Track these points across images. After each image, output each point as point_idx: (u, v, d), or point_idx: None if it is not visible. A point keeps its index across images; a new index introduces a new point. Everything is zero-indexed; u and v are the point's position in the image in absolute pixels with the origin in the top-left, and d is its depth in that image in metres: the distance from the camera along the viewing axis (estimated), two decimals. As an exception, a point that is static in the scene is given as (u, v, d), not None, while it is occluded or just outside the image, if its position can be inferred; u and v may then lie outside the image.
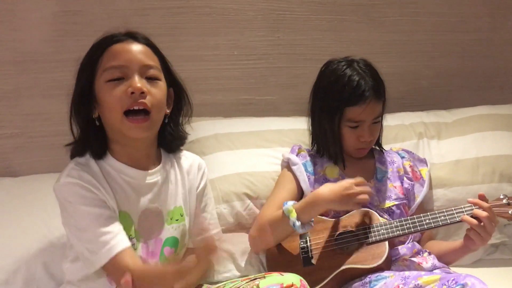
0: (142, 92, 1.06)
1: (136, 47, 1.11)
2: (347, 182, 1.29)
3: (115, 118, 1.08)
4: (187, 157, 1.27)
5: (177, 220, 1.19)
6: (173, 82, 1.19)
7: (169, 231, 1.17)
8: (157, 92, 1.10)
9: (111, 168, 1.13)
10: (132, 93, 1.06)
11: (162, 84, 1.13)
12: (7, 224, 1.40)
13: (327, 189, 1.30)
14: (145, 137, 1.12)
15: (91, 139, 1.12)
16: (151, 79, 1.10)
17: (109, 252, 1.03)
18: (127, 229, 1.10)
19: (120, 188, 1.12)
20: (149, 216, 1.15)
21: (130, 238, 1.11)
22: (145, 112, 1.08)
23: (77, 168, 1.10)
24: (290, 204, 1.31)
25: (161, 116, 1.14)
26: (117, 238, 1.05)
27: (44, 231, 1.38)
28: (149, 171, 1.16)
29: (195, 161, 1.27)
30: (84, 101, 1.11)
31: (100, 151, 1.13)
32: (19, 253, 1.33)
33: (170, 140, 1.21)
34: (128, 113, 1.07)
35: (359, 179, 1.29)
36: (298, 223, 1.27)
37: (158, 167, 1.18)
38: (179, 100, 1.21)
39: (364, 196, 1.27)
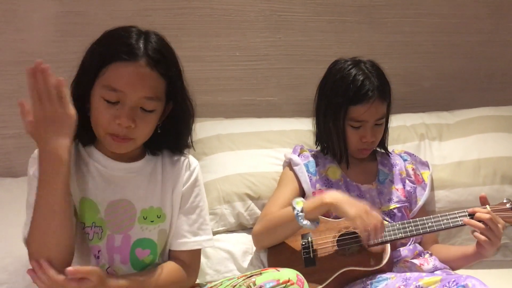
0: (130, 125, 1.06)
1: (144, 73, 1.05)
2: (367, 207, 1.24)
3: (98, 133, 1.09)
4: (177, 157, 1.21)
5: (152, 221, 1.14)
6: (177, 99, 1.14)
7: (141, 231, 1.14)
8: (145, 125, 1.09)
9: (87, 155, 1.14)
10: (119, 124, 1.05)
11: (156, 114, 1.10)
12: (9, 224, 1.40)
13: (345, 196, 1.28)
14: (126, 151, 1.12)
15: (81, 128, 1.08)
16: (145, 111, 1.08)
17: (25, 234, 1.04)
18: (90, 216, 1.11)
19: (89, 175, 1.12)
20: (119, 208, 1.13)
21: (94, 226, 1.11)
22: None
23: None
24: (300, 199, 1.30)
25: (147, 138, 1.12)
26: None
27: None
28: (124, 164, 1.14)
29: (184, 161, 1.21)
30: (80, 93, 1.09)
31: (87, 140, 1.14)
32: (20, 253, 1.33)
33: (157, 145, 1.18)
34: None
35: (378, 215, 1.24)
36: (302, 214, 1.25)
37: (139, 162, 1.16)
38: (181, 113, 1.16)
39: (369, 236, 1.21)
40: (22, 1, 1.63)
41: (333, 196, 1.27)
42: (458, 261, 1.38)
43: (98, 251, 1.11)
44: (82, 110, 1.08)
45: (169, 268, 1.15)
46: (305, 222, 1.26)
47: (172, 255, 1.19)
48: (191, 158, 1.24)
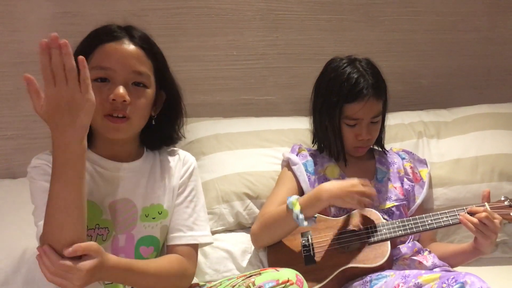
0: (124, 101, 1.05)
1: (130, 49, 1.08)
2: (354, 179, 1.28)
3: (94, 118, 1.03)
4: (175, 155, 1.23)
5: (153, 218, 1.14)
6: (167, 86, 1.16)
7: (144, 229, 1.14)
8: (141, 101, 1.08)
9: (86, 160, 1.09)
10: (114, 100, 1.04)
11: (150, 91, 1.11)
12: (7, 225, 1.40)
13: (333, 184, 1.29)
14: (123, 138, 1.11)
15: None
16: (138, 86, 1.08)
17: (39, 231, 0.99)
18: (94, 217, 1.09)
19: (89, 178, 1.10)
20: (120, 208, 1.12)
21: (98, 228, 1.09)
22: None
23: (48, 153, 1.08)
24: (294, 197, 1.30)
25: (142, 120, 1.12)
26: None
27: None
28: (125, 163, 1.14)
29: (181, 156, 1.22)
30: None
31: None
32: (19, 254, 1.33)
33: (154, 140, 1.19)
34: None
35: (365, 182, 1.29)
36: (301, 216, 1.26)
37: (138, 161, 1.16)
38: (172, 103, 1.18)
39: (368, 200, 1.27)
40: (19, 2, 1.62)
41: (326, 191, 1.28)
42: (456, 258, 1.38)
43: None
44: None
45: (170, 258, 1.14)
46: (305, 223, 1.27)
47: (169, 251, 1.18)
48: (188, 154, 1.24)
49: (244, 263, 1.46)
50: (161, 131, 1.19)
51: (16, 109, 1.66)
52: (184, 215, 1.18)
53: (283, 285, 1.01)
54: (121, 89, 1.05)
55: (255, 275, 1.05)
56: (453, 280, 1.05)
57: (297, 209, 1.27)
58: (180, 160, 1.22)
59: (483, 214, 1.23)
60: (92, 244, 0.97)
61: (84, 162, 0.96)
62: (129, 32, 1.11)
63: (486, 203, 1.30)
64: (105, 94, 1.05)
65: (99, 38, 1.08)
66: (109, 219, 1.12)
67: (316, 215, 1.30)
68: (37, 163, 1.08)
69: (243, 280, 1.05)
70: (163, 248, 1.20)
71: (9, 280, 1.30)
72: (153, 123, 1.16)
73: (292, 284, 1.02)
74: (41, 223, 0.98)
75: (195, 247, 1.19)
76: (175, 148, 1.26)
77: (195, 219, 1.19)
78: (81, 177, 0.95)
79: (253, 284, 1.02)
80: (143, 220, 1.14)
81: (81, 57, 0.90)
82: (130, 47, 1.08)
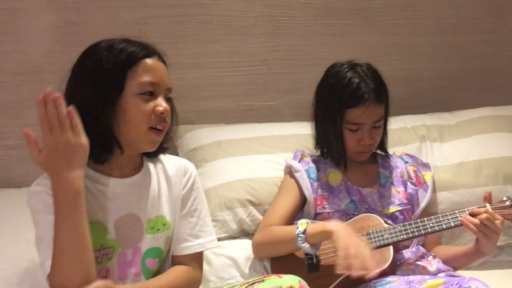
0: (168, 115, 1.11)
1: (163, 67, 1.14)
2: (363, 244, 1.19)
3: (139, 130, 1.09)
4: (173, 163, 1.23)
5: (158, 230, 1.15)
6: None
7: (150, 241, 1.14)
8: (171, 115, 1.14)
9: (86, 178, 1.08)
10: (162, 113, 1.09)
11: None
12: (12, 236, 1.40)
13: (346, 233, 1.21)
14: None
15: (99, 146, 1.09)
16: (168, 101, 1.13)
17: (47, 269, 1.01)
18: (99, 238, 1.09)
19: (92, 198, 1.10)
20: (126, 224, 1.13)
21: (103, 248, 1.10)
22: None
23: (45, 177, 1.07)
24: (304, 221, 1.29)
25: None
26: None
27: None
28: (125, 179, 1.14)
29: (180, 166, 1.22)
30: (107, 110, 1.07)
31: (102, 158, 1.12)
32: (24, 264, 1.33)
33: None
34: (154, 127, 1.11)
35: (374, 259, 1.16)
36: (303, 236, 1.26)
37: (139, 174, 1.17)
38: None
39: (357, 266, 1.14)
40: (21, 12, 1.63)
41: (336, 226, 1.24)
42: (458, 260, 1.38)
43: (107, 271, 1.10)
44: (103, 129, 1.08)
45: (178, 271, 1.16)
46: (304, 244, 1.26)
47: (175, 261, 1.19)
48: (187, 162, 1.25)
49: (248, 270, 1.45)
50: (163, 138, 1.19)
51: (18, 118, 1.66)
52: (190, 224, 1.20)
53: None
54: (165, 104, 1.11)
55: (258, 282, 1.05)
56: (457, 286, 1.05)
57: (302, 226, 1.27)
58: (180, 169, 1.22)
59: (484, 215, 1.24)
60: (100, 284, 0.98)
61: (83, 203, 1.00)
62: (153, 49, 1.14)
63: (487, 204, 1.30)
64: (151, 107, 1.09)
65: (136, 52, 1.10)
66: (113, 238, 1.12)
67: (320, 245, 1.29)
68: (36, 190, 1.07)
69: (246, 287, 1.05)
70: (165, 258, 1.20)
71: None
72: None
73: None
74: (48, 262, 1.00)
75: (201, 253, 1.21)
76: (172, 156, 1.27)
77: (201, 227, 1.21)
78: (83, 213, 1.00)
79: None
80: (149, 232, 1.15)
81: (70, 108, 0.98)
82: (161, 64, 1.14)
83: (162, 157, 1.23)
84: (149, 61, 1.11)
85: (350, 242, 1.17)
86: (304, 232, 1.26)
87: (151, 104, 1.09)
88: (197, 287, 1.20)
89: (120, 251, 1.12)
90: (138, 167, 1.18)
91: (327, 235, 1.24)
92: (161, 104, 1.09)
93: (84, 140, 1.00)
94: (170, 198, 1.19)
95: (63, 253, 0.98)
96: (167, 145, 1.22)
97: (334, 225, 1.25)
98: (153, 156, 1.21)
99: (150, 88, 1.09)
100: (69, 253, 0.98)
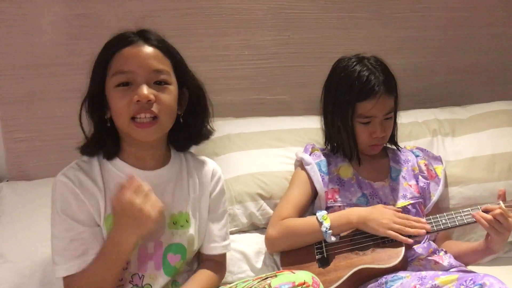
0: (149, 100, 1.06)
1: (147, 50, 1.09)
2: (387, 212, 1.31)
3: (122, 122, 1.09)
4: (201, 162, 1.25)
5: (182, 226, 1.16)
6: (187, 83, 1.17)
7: (172, 236, 1.15)
8: (166, 97, 1.09)
9: (113, 167, 1.13)
10: (138, 101, 1.06)
11: (172, 88, 1.11)
12: (23, 228, 1.41)
13: (368, 213, 1.32)
14: (154, 139, 1.12)
15: (105, 140, 1.12)
16: (160, 84, 1.09)
17: (56, 272, 1.09)
18: None
19: (116, 187, 1.11)
20: None
21: None
22: (153, 116, 1.08)
23: (75, 167, 1.12)
24: (324, 212, 1.35)
25: (171, 119, 1.13)
26: (69, 263, 1.07)
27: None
28: (153, 171, 1.15)
29: (209, 167, 1.24)
30: (96, 103, 1.11)
31: (113, 151, 1.14)
32: (35, 256, 1.34)
33: (182, 140, 1.20)
34: (135, 117, 1.08)
35: (398, 212, 1.32)
36: (330, 231, 1.30)
37: (164, 168, 1.17)
38: (196, 100, 1.18)
39: (408, 230, 1.28)
40: (31, 5, 1.63)
41: (359, 215, 1.32)
42: (467, 256, 1.37)
43: (127, 263, 1.11)
44: (101, 122, 1.11)
45: (206, 276, 1.20)
46: (333, 238, 1.31)
47: (204, 258, 1.25)
48: (216, 166, 1.27)
49: (259, 264, 1.45)
50: (189, 129, 1.19)
51: (29, 111, 1.67)
52: (219, 226, 1.25)
53: (299, 287, 1.01)
54: (145, 89, 1.06)
55: (271, 277, 1.05)
56: (471, 282, 1.03)
57: (327, 222, 1.31)
58: (208, 171, 1.24)
59: (498, 210, 1.23)
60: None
61: (129, 255, 1.07)
62: (143, 35, 1.12)
63: (501, 202, 1.28)
64: (129, 96, 1.06)
65: (116, 45, 1.10)
66: None
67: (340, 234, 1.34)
68: (60, 181, 1.10)
69: (258, 282, 1.06)
70: (193, 260, 1.24)
71: (25, 282, 1.31)
72: (181, 121, 1.16)
73: (308, 286, 1.02)
74: (56, 259, 1.08)
75: (225, 254, 1.29)
76: (202, 156, 1.28)
77: (227, 229, 1.29)
78: (125, 261, 1.08)
79: (269, 286, 1.02)
80: (171, 227, 1.16)
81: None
82: (146, 48, 1.10)
83: (190, 155, 1.24)
84: (125, 50, 1.08)
85: (385, 221, 1.28)
86: (330, 227, 1.30)
87: (130, 94, 1.06)
88: (221, 281, 1.26)
89: (141, 243, 1.12)
90: (164, 161, 1.18)
91: (353, 226, 1.32)
92: (138, 91, 1.05)
93: (154, 214, 1.02)
94: (194, 197, 1.20)
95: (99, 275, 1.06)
96: (204, 131, 1.22)
97: (356, 214, 1.32)
98: (185, 146, 1.21)
99: (123, 78, 1.07)
100: (103, 277, 1.06)
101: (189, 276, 1.20)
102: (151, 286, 1.13)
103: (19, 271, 1.32)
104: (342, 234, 1.34)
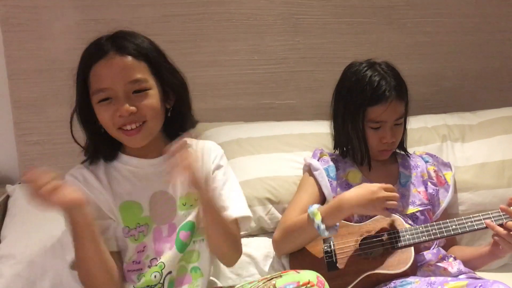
0: (131, 113, 1.10)
1: (120, 63, 1.09)
2: (374, 186, 1.27)
3: (111, 133, 1.14)
4: (200, 144, 1.27)
5: (191, 205, 1.20)
6: (167, 76, 1.17)
7: (184, 217, 1.20)
8: (149, 102, 1.12)
9: (117, 161, 1.19)
10: (120, 116, 1.10)
11: (153, 92, 1.13)
12: (34, 229, 1.43)
13: (353, 193, 1.29)
14: (145, 143, 1.16)
15: (100, 146, 1.18)
16: (139, 92, 1.11)
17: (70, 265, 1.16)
18: (133, 217, 1.17)
19: (124, 179, 1.18)
20: (159, 201, 1.19)
21: (139, 226, 1.17)
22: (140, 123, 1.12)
23: (81, 167, 1.19)
24: (315, 207, 1.30)
25: (159, 120, 1.16)
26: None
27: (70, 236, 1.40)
28: (156, 159, 1.19)
29: (206, 146, 1.27)
30: (86, 113, 1.15)
31: (111, 155, 1.20)
32: (46, 257, 1.36)
33: (177, 128, 1.23)
34: (122, 127, 1.12)
35: (387, 185, 1.27)
36: (322, 226, 1.26)
37: (164, 156, 1.17)
38: (180, 89, 1.20)
39: (393, 202, 1.26)
40: (45, 10, 1.66)
41: (348, 201, 1.27)
42: (473, 261, 1.37)
43: (144, 247, 1.17)
44: (93, 129, 1.15)
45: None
46: (327, 233, 1.27)
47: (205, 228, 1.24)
48: (214, 143, 1.29)
49: (267, 268, 1.45)
50: (182, 118, 1.22)
51: (41, 115, 1.69)
52: (221, 196, 1.23)
53: (304, 287, 1.01)
54: (124, 103, 1.10)
55: (276, 277, 1.06)
56: (481, 288, 1.03)
57: (318, 219, 1.27)
58: (205, 149, 1.26)
59: None
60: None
61: (93, 227, 1.08)
62: (115, 42, 1.12)
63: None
64: (112, 110, 1.10)
65: (89, 58, 1.12)
66: (148, 215, 1.18)
67: (337, 224, 1.30)
68: (68, 180, 1.16)
69: (264, 282, 1.07)
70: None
71: (36, 283, 1.32)
72: (169, 115, 1.19)
73: (312, 285, 1.02)
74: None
75: (235, 222, 1.22)
76: (197, 139, 1.29)
77: (231, 198, 1.24)
78: (96, 235, 1.09)
79: (274, 286, 1.03)
80: (182, 209, 1.20)
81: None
82: (118, 60, 1.10)
83: (189, 140, 1.23)
84: (98, 66, 1.10)
85: (369, 196, 1.24)
86: (322, 221, 1.27)
87: (111, 108, 1.10)
88: (240, 253, 1.24)
89: (155, 227, 1.17)
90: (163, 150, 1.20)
91: (339, 206, 1.27)
92: (118, 107, 1.09)
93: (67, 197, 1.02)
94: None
95: (81, 258, 1.10)
96: (191, 121, 1.23)
97: (341, 196, 1.30)
98: (173, 138, 1.22)
99: (103, 96, 1.10)
100: (86, 259, 1.09)
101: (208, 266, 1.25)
102: (164, 264, 1.17)
103: (31, 272, 1.33)
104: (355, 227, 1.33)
